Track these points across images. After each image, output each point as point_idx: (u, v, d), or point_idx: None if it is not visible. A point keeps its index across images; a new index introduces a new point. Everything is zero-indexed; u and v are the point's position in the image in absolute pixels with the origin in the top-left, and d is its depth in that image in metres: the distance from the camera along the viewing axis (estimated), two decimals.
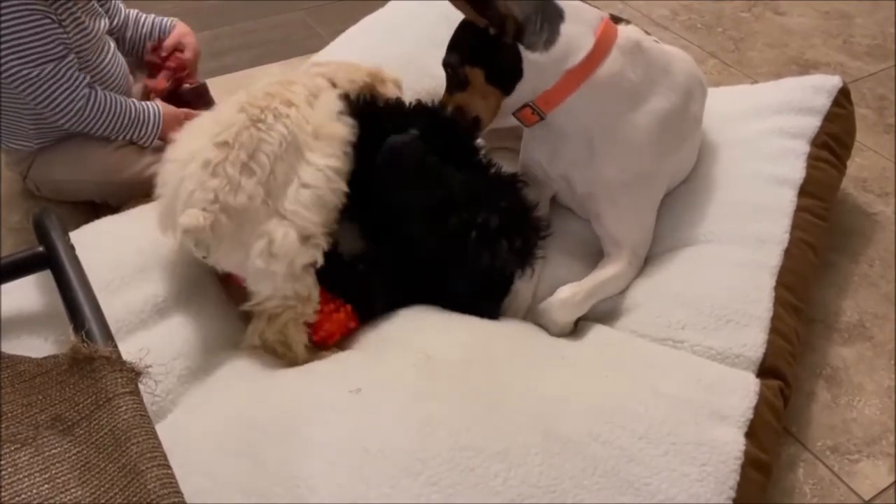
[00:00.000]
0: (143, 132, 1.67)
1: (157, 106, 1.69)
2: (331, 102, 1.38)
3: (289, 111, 1.31)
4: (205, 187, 1.24)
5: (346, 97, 1.42)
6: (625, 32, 1.44)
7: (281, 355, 1.32)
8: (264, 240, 1.25)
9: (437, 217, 1.35)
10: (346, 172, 1.34)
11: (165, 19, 1.86)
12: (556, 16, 1.40)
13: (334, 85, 1.46)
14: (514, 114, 1.47)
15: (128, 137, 1.68)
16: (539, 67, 1.39)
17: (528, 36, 1.38)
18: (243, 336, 1.36)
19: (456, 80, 1.46)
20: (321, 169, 1.30)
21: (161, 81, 1.79)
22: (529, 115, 1.45)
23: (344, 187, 1.33)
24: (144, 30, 1.84)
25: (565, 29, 1.39)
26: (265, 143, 1.27)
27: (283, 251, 1.25)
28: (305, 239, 1.28)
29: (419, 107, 1.46)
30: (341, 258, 1.37)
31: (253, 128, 1.28)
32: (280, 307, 1.29)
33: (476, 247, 1.35)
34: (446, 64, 1.47)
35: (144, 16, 1.85)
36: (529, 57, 1.39)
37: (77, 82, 1.57)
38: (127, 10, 1.84)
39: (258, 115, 1.29)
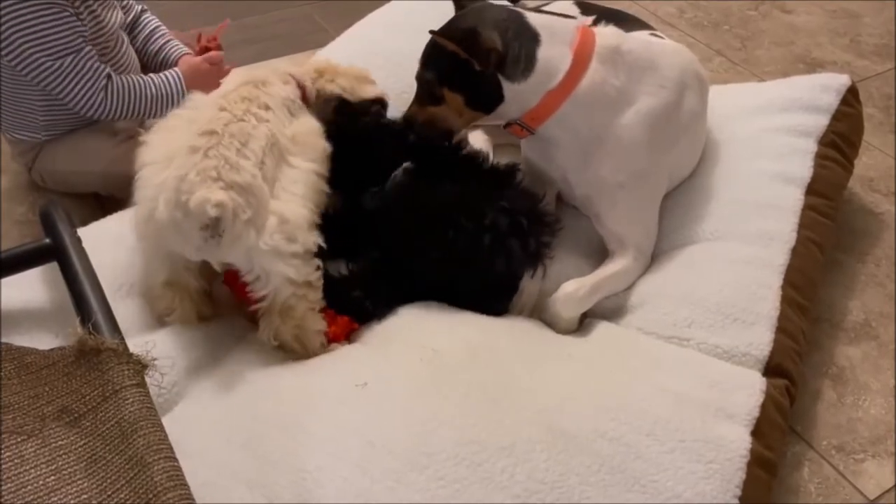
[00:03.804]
0: (171, 101, 1.66)
1: (176, 72, 1.68)
2: (311, 122, 1.38)
3: (267, 115, 1.30)
4: (201, 168, 1.19)
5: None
6: (602, 39, 1.43)
7: (292, 350, 1.29)
8: (275, 218, 1.22)
9: (442, 238, 1.34)
10: (326, 178, 1.34)
11: (176, 48, 1.82)
12: (532, 41, 1.38)
13: (304, 92, 1.45)
14: (504, 128, 1.48)
15: (161, 112, 1.65)
16: (519, 93, 1.39)
17: (508, 66, 1.37)
18: (248, 331, 1.35)
19: (430, 94, 1.44)
20: (305, 171, 1.30)
21: None
22: (519, 130, 1.46)
23: (327, 189, 1.33)
24: (153, 47, 1.83)
25: (542, 53, 1.38)
26: (254, 138, 1.25)
27: (297, 225, 1.23)
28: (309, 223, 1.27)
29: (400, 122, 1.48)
30: (333, 282, 1.36)
31: (241, 122, 1.26)
32: (292, 298, 1.26)
33: (489, 254, 1.34)
34: (421, 80, 1.45)
35: (160, 34, 1.83)
36: (509, 86, 1.38)
37: (97, 73, 1.58)
38: (148, 19, 1.84)
39: (241, 115, 1.27)
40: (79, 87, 1.57)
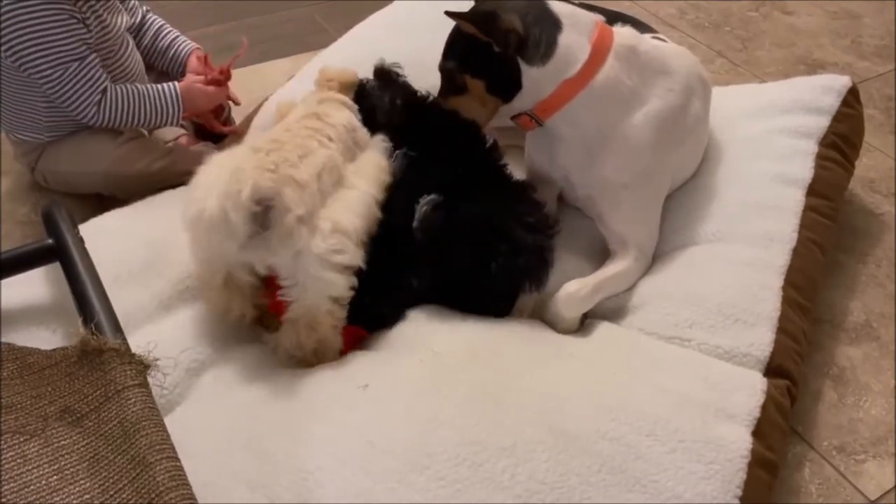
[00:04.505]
0: (164, 116, 1.66)
1: (174, 86, 1.67)
2: (376, 158, 1.38)
3: (330, 145, 1.31)
4: (259, 163, 1.17)
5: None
6: (620, 38, 1.43)
7: (306, 361, 1.28)
8: (330, 223, 1.19)
9: (479, 265, 1.34)
10: (380, 204, 1.33)
11: (185, 44, 1.84)
12: (554, 26, 1.39)
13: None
14: (511, 119, 1.48)
15: (154, 125, 1.69)
16: (537, 80, 1.39)
17: (528, 50, 1.37)
18: (251, 333, 1.35)
19: (453, 85, 1.45)
20: (363, 192, 1.29)
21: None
22: (527, 121, 1.46)
23: (379, 214, 1.31)
24: (162, 44, 1.84)
25: (562, 39, 1.38)
26: (314, 154, 1.25)
27: (348, 236, 1.20)
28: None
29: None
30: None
31: (302, 138, 1.27)
32: (321, 313, 1.23)
33: (519, 273, 1.36)
34: (444, 69, 1.46)
35: (167, 31, 1.85)
36: (527, 71, 1.38)
37: (94, 86, 1.58)
38: (153, 18, 1.84)
39: (305, 136, 1.29)
40: (74, 95, 1.58)
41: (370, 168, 1.35)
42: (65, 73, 1.55)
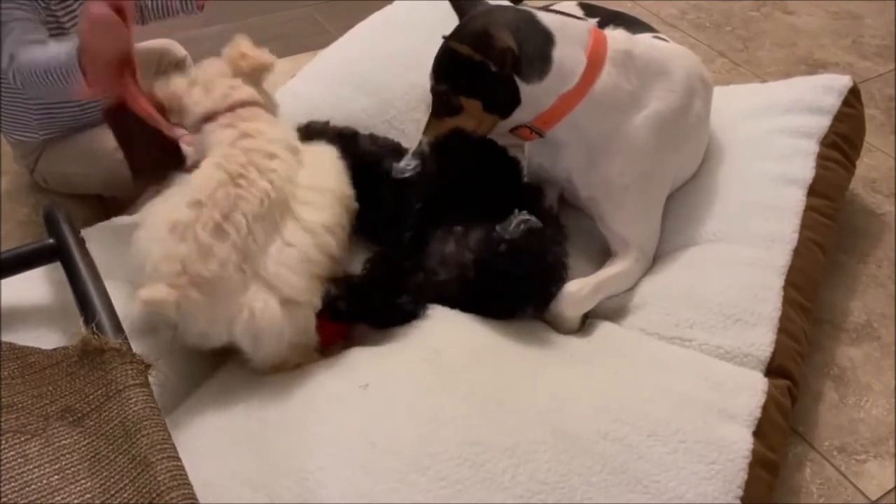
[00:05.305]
0: (60, 71, 1.35)
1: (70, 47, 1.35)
2: (328, 161, 1.34)
3: (272, 164, 1.23)
4: (171, 257, 1.13)
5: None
6: (615, 42, 1.42)
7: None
8: (244, 314, 1.15)
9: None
10: (341, 225, 1.30)
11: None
12: (546, 41, 1.37)
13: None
14: (511, 131, 1.47)
15: (61, 72, 1.35)
16: (535, 95, 1.38)
17: (524, 68, 1.36)
18: None
19: (448, 106, 1.43)
20: (309, 225, 1.23)
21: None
22: (528, 133, 1.45)
23: (333, 241, 1.26)
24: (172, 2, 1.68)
25: (557, 54, 1.37)
26: (243, 202, 1.18)
27: (267, 325, 1.15)
28: (289, 303, 1.18)
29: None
30: (380, 292, 1.34)
31: (231, 185, 1.19)
32: (288, 356, 1.23)
33: (541, 295, 1.38)
34: (436, 92, 1.43)
35: None
36: (525, 88, 1.37)
37: (8, 52, 1.40)
38: None
39: (238, 170, 1.20)
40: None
41: (326, 178, 1.30)
42: None
